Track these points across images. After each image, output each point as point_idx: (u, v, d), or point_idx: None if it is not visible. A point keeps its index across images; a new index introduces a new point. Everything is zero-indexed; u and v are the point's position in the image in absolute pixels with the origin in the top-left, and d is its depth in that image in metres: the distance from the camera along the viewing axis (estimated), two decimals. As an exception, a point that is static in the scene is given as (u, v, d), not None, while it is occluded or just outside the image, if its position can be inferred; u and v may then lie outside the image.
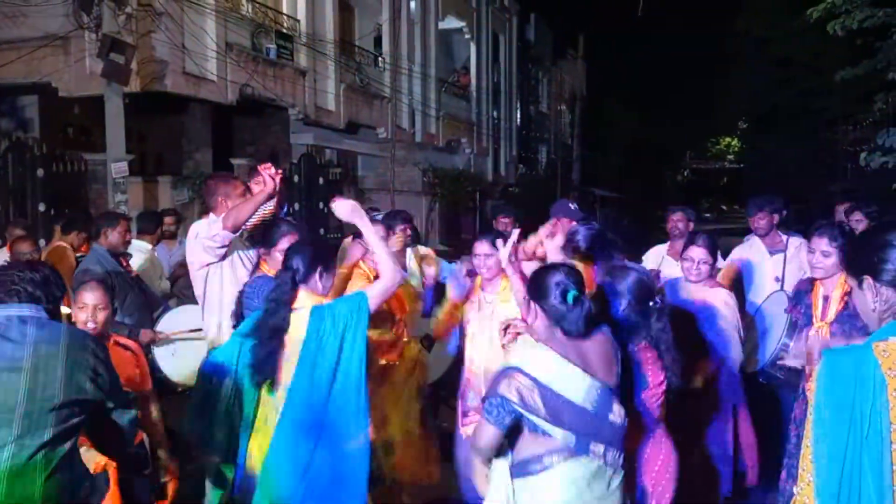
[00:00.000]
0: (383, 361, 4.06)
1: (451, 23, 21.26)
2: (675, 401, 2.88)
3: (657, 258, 5.69)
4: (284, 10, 14.33)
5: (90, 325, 3.13)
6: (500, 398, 2.39)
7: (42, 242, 7.49)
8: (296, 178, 13.40)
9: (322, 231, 13.75)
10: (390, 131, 17.76)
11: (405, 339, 4.21)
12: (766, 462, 3.91)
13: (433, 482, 4.18)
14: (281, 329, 2.94)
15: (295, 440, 2.93)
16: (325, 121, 15.44)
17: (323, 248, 3.33)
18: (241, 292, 3.76)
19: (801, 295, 3.69)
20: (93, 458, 2.58)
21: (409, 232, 5.15)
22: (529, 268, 3.99)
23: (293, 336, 2.95)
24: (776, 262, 5.21)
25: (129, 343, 3.43)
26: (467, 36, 22.41)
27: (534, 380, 2.39)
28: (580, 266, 3.32)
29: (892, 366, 1.60)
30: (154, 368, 4.04)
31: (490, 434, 2.42)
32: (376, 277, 3.53)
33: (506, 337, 3.00)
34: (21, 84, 11.23)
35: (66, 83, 10.96)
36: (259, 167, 4.14)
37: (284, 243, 3.65)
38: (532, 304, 2.59)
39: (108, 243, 4.91)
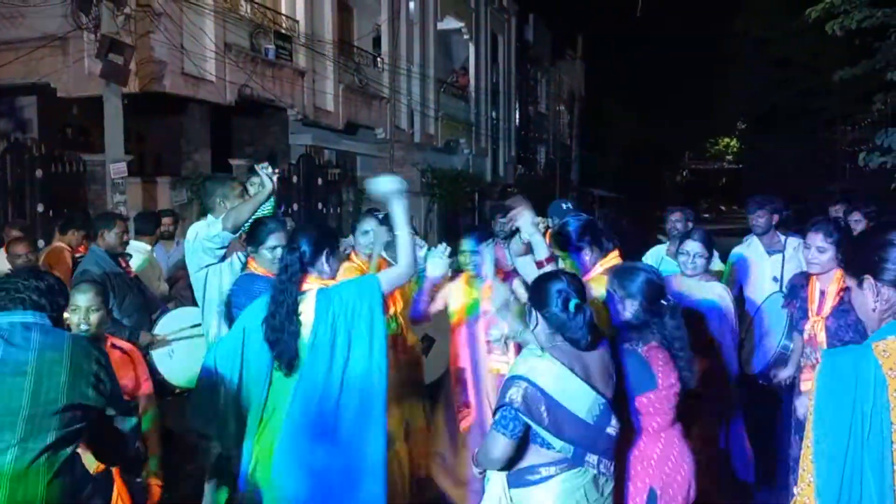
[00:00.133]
0: None
1: (450, 23, 21.27)
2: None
3: (656, 259, 5.69)
4: (283, 11, 14.32)
5: (83, 327, 3.11)
6: (511, 408, 2.39)
7: (41, 243, 7.49)
8: (294, 179, 13.40)
9: (321, 231, 13.74)
10: (389, 132, 17.75)
11: (405, 334, 4.22)
12: (767, 463, 3.91)
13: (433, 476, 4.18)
14: (297, 309, 2.89)
15: (309, 429, 2.87)
16: (323, 121, 15.43)
17: (328, 231, 3.30)
18: (230, 292, 3.75)
19: (797, 289, 3.71)
20: (92, 461, 2.58)
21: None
22: (523, 263, 3.98)
23: (304, 321, 2.91)
24: (775, 263, 5.22)
25: (125, 345, 3.41)
26: (466, 36, 22.41)
27: (541, 390, 2.39)
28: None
29: (892, 366, 1.60)
30: (152, 370, 4.03)
31: (503, 445, 2.41)
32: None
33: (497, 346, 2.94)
34: (20, 85, 11.22)
35: (64, 84, 10.94)
36: (258, 167, 4.14)
37: (272, 241, 3.65)
38: (533, 311, 2.57)
39: (105, 244, 4.91)
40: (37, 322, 2.35)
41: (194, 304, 4.44)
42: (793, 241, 5.14)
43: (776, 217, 5.40)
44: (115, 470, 2.86)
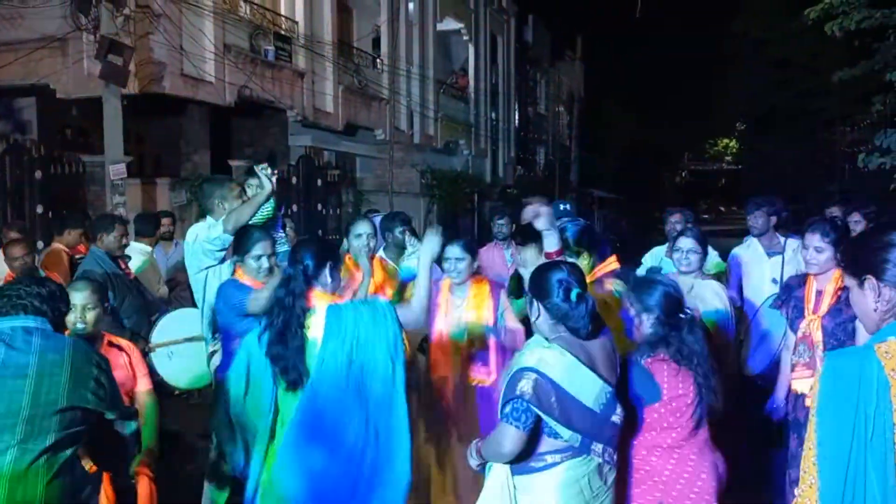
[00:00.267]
0: None
1: (450, 24, 21.27)
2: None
3: (656, 260, 5.69)
4: (283, 12, 14.32)
5: (79, 325, 3.10)
6: (521, 400, 2.37)
7: (41, 244, 7.49)
8: (294, 180, 13.39)
9: (320, 233, 13.75)
10: (388, 133, 17.75)
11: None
12: (765, 465, 3.91)
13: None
14: (302, 324, 2.85)
15: (319, 446, 2.82)
16: (323, 122, 15.43)
17: (330, 245, 3.28)
18: (214, 297, 3.74)
19: (792, 289, 3.70)
20: (87, 462, 2.58)
21: (408, 234, 5.17)
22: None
23: (310, 335, 2.87)
24: (774, 264, 5.22)
25: (122, 342, 3.41)
26: (465, 37, 22.41)
27: (551, 381, 2.38)
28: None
29: (895, 367, 1.60)
30: (151, 372, 4.04)
31: (515, 438, 2.38)
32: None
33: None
34: (19, 86, 11.20)
35: (63, 85, 10.93)
36: (257, 168, 4.14)
37: (258, 250, 3.63)
38: (535, 302, 2.56)
39: (104, 247, 4.91)
40: (38, 327, 2.38)
41: (194, 305, 4.44)
42: (792, 243, 5.12)
43: (774, 218, 5.39)
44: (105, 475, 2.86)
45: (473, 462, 2.62)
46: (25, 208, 9.41)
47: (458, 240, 4.23)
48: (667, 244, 5.77)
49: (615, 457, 2.53)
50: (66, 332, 2.70)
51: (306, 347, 2.84)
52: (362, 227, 4.39)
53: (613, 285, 3.67)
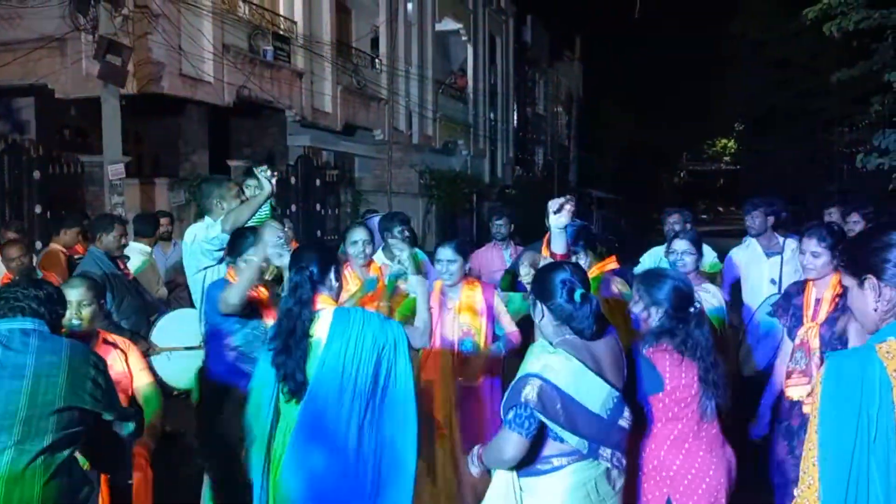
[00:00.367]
0: None
1: (448, 25, 21.27)
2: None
3: (655, 260, 5.69)
4: (281, 12, 14.32)
5: (74, 322, 3.09)
6: (525, 406, 2.34)
7: (39, 244, 7.48)
8: (293, 180, 13.39)
9: (318, 233, 13.75)
10: (387, 133, 17.75)
11: None
12: (763, 467, 3.90)
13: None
14: (307, 332, 2.82)
15: (318, 449, 2.80)
16: (321, 122, 15.43)
17: (331, 249, 3.26)
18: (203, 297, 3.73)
19: (791, 297, 3.69)
20: (84, 462, 2.58)
21: (406, 234, 5.17)
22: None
23: (315, 340, 2.85)
24: (773, 265, 5.21)
25: (118, 339, 3.40)
26: (464, 38, 22.42)
27: (556, 388, 2.34)
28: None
29: None
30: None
31: (517, 444, 2.36)
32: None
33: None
34: (17, 86, 11.19)
35: (62, 85, 10.92)
36: (257, 170, 4.14)
37: (251, 254, 3.56)
38: (538, 303, 2.53)
39: (103, 247, 4.91)
40: (35, 329, 2.39)
41: (192, 306, 4.44)
42: (791, 243, 5.12)
43: (772, 218, 5.39)
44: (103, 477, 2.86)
45: (475, 470, 2.58)
46: (24, 208, 9.39)
47: (450, 241, 4.23)
48: (665, 244, 5.77)
49: (624, 461, 2.50)
50: (62, 331, 2.69)
51: (309, 352, 2.83)
52: (358, 234, 4.35)
53: (619, 286, 3.66)
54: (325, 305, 2.90)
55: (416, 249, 5.44)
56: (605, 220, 29.68)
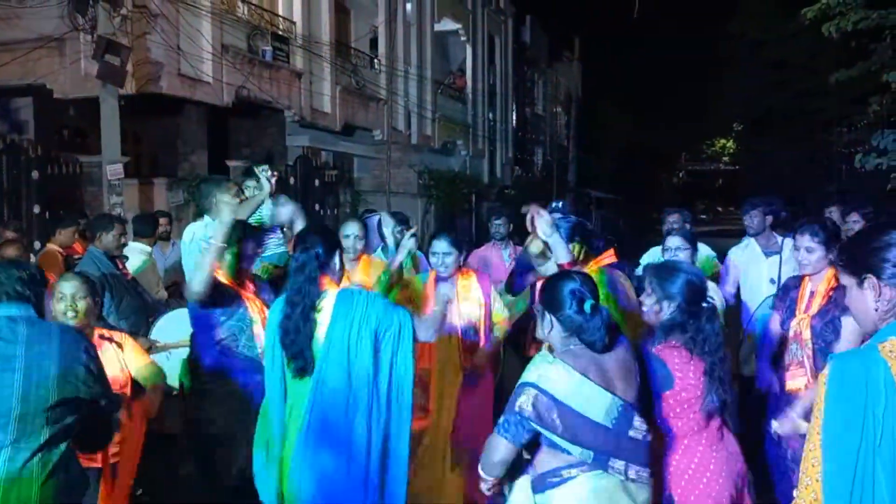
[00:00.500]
0: None
1: (447, 25, 21.27)
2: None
3: (654, 260, 5.69)
4: (280, 12, 14.31)
5: (69, 315, 3.08)
6: (518, 415, 2.34)
7: (37, 244, 7.48)
8: (292, 180, 13.38)
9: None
10: (386, 133, 17.74)
11: None
12: (761, 468, 3.91)
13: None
14: (314, 308, 2.84)
15: (325, 431, 2.82)
16: (320, 123, 15.42)
17: (334, 234, 3.26)
18: None
19: (789, 290, 3.73)
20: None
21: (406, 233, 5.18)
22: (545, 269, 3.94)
23: (320, 318, 2.87)
24: (772, 264, 5.21)
25: (114, 334, 3.40)
26: (463, 38, 22.41)
27: (551, 397, 2.33)
28: None
29: None
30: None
31: (504, 450, 2.37)
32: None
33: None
34: (16, 86, 11.17)
35: (61, 85, 10.91)
36: (257, 170, 4.14)
37: (241, 249, 3.54)
38: (547, 315, 2.49)
39: (103, 246, 4.90)
40: (22, 315, 2.29)
41: (191, 305, 4.42)
42: (790, 243, 5.08)
43: (770, 218, 5.39)
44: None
45: (483, 486, 2.56)
46: (22, 209, 9.38)
47: (444, 234, 4.28)
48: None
49: (645, 474, 2.44)
50: None
51: (314, 332, 2.85)
52: (350, 229, 4.41)
53: (623, 280, 3.67)
54: (328, 287, 2.91)
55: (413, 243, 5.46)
56: (603, 220, 29.68)
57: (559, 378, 2.36)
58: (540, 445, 2.43)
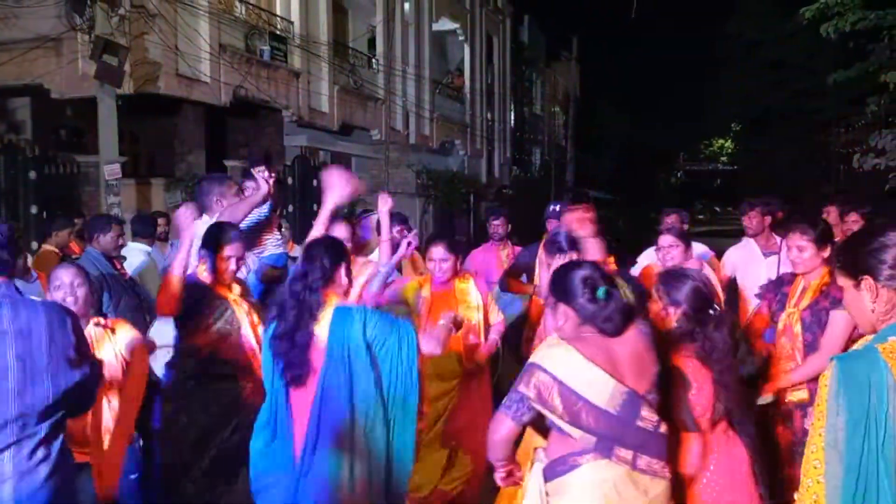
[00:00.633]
0: None
1: (445, 24, 21.26)
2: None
3: (651, 260, 5.69)
4: (278, 12, 14.30)
5: (69, 300, 3.07)
6: (520, 394, 2.35)
7: (35, 245, 7.46)
8: (289, 180, 13.37)
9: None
10: (384, 133, 17.73)
11: None
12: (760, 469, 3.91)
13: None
14: (312, 321, 2.83)
15: (328, 441, 2.81)
16: (318, 122, 15.40)
17: (342, 246, 3.20)
18: None
19: (782, 283, 3.75)
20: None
21: (405, 233, 5.19)
22: None
23: (318, 333, 2.86)
24: (770, 264, 5.21)
25: (108, 321, 3.39)
26: (461, 38, 22.41)
27: (553, 377, 2.32)
28: None
29: None
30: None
31: (506, 428, 2.37)
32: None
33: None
34: (13, 86, 11.15)
35: (58, 85, 10.88)
36: (253, 169, 4.13)
37: (229, 251, 3.52)
38: (559, 305, 2.47)
39: (101, 247, 4.89)
40: (5, 294, 2.13)
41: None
42: (788, 243, 5.13)
43: (769, 218, 5.40)
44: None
45: (497, 476, 2.56)
46: (19, 209, 9.37)
47: (441, 239, 4.29)
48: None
49: (658, 466, 2.40)
50: None
51: (312, 344, 2.84)
52: (336, 232, 4.39)
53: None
54: (329, 300, 2.90)
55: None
56: (602, 220, 29.64)
57: (562, 359, 2.35)
58: (552, 432, 2.42)
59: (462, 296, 4.24)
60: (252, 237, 4.51)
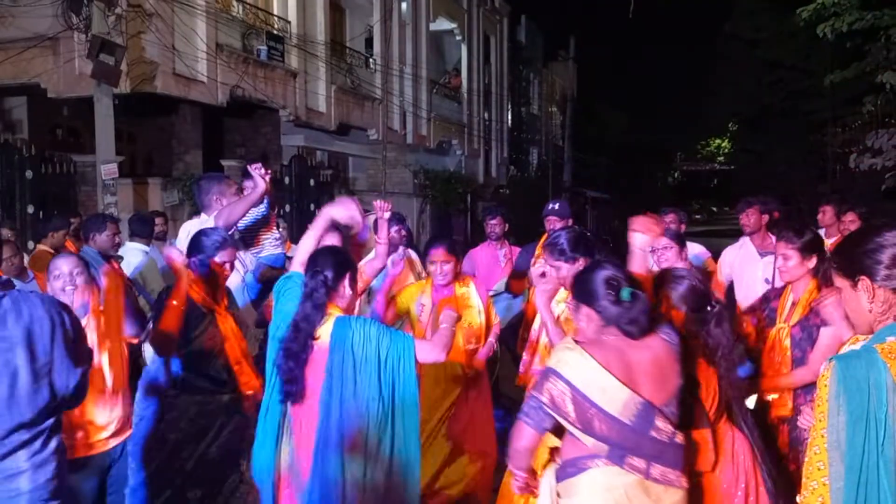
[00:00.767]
0: None
1: (443, 24, 21.26)
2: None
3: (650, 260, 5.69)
4: (275, 12, 14.28)
5: (69, 289, 3.06)
6: (537, 401, 2.31)
7: (31, 245, 7.45)
8: (287, 180, 13.36)
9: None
10: (381, 133, 17.73)
11: None
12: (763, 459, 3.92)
13: None
14: (313, 336, 2.83)
15: (332, 452, 2.82)
16: (315, 122, 15.40)
17: (347, 256, 3.17)
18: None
19: (769, 300, 3.71)
20: None
21: (403, 233, 5.19)
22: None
23: (318, 345, 2.87)
24: (766, 264, 5.21)
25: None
26: (458, 37, 22.41)
27: (567, 382, 2.28)
28: None
29: None
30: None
31: (528, 436, 2.34)
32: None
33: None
34: (9, 85, 11.14)
35: (55, 84, 10.88)
36: (250, 167, 4.13)
37: (221, 257, 3.48)
38: (582, 307, 2.41)
39: (97, 246, 4.89)
40: (6, 294, 2.12)
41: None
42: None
43: (766, 217, 5.39)
44: None
45: (514, 485, 2.55)
46: (16, 208, 9.36)
47: (441, 242, 4.24)
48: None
49: (673, 476, 2.33)
50: None
51: (312, 358, 2.86)
52: (329, 240, 4.38)
53: None
54: (331, 312, 2.90)
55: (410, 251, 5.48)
56: (598, 220, 29.72)
57: (576, 364, 2.30)
58: (566, 433, 2.39)
59: (464, 301, 4.20)
60: (250, 237, 4.52)
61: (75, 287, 3.09)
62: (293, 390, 2.84)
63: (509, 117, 27.10)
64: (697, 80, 37.97)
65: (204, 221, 4.10)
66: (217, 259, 3.44)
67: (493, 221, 6.21)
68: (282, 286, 3.07)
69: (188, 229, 4.17)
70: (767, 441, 3.04)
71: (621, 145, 37.36)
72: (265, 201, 4.42)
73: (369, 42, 18.18)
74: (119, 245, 5.22)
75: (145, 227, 6.27)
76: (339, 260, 2.99)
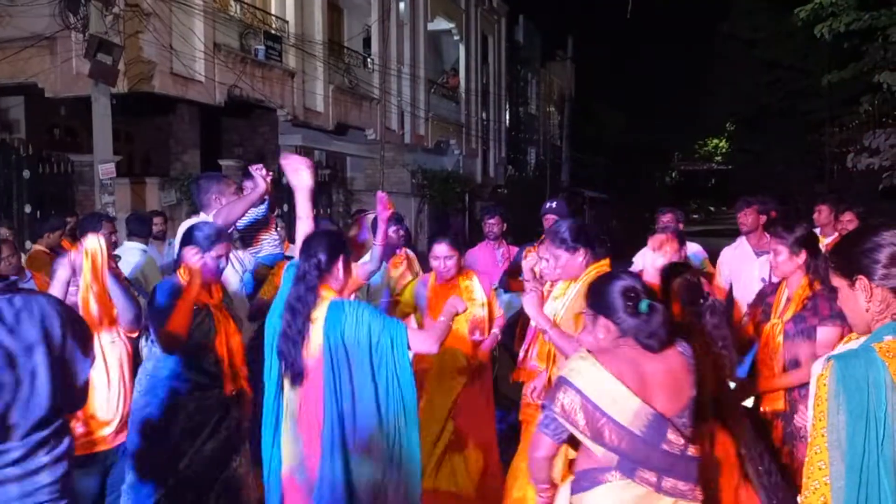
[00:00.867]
0: None
1: (440, 24, 21.26)
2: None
3: (647, 259, 5.70)
4: (273, 11, 14.28)
5: (72, 289, 3.07)
6: (551, 410, 2.30)
7: (28, 244, 7.44)
8: (284, 180, 13.32)
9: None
10: (379, 133, 17.73)
11: None
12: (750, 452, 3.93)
13: None
14: (309, 316, 2.83)
15: (329, 439, 2.82)
16: (313, 122, 15.39)
17: (341, 239, 3.17)
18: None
19: (765, 296, 3.73)
20: None
21: (402, 233, 5.20)
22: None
23: (314, 328, 2.87)
24: (763, 263, 5.21)
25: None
26: (456, 37, 22.41)
27: (578, 391, 2.26)
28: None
29: None
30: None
31: (546, 446, 2.32)
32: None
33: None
34: (7, 85, 11.13)
35: (52, 84, 10.87)
36: (251, 167, 4.13)
37: (216, 250, 3.46)
38: (599, 318, 2.37)
39: (95, 245, 4.87)
40: (9, 295, 2.09)
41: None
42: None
43: (763, 217, 5.41)
44: None
45: (539, 500, 2.52)
46: (13, 208, 9.35)
47: (444, 237, 4.29)
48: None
49: (686, 488, 2.30)
50: None
51: (307, 342, 2.85)
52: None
53: None
54: (325, 295, 2.90)
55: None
56: (596, 219, 29.72)
57: (587, 373, 2.28)
58: (580, 445, 2.37)
59: (467, 293, 4.25)
60: (249, 236, 4.52)
61: (78, 288, 3.09)
62: (293, 373, 2.85)
63: (507, 117, 27.12)
64: (695, 79, 38.05)
65: (203, 220, 4.09)
66: (213, 252, 3.42)
67: (491, 221, 6.22)
68: (287, 274, 3.08)
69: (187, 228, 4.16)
70: (761, 435, 3.05)
71: (619, 145, 37.39)
72: (265, 202, 4.42)
73: (367, 42, 18.18)
74: (115, 244, 5.21)
75: (143, 227, 6.26)
76: (332, 242, 2.98)
